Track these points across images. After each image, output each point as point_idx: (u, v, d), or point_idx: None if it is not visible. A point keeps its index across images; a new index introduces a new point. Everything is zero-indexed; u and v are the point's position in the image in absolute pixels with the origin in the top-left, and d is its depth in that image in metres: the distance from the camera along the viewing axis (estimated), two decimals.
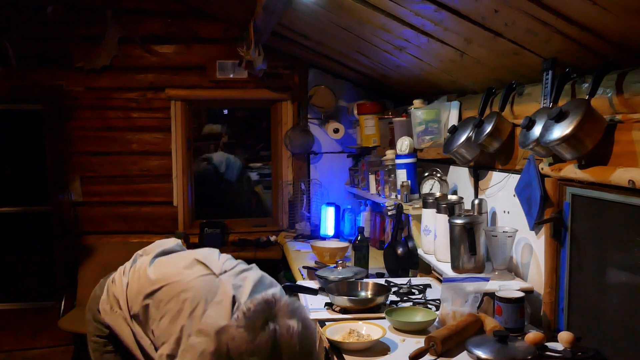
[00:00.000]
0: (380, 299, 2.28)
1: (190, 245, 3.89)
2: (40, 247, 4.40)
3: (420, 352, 1.75)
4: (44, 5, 3.89)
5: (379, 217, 3.80)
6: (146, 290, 1.81)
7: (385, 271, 2.99)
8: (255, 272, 1.86)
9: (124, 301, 1.86)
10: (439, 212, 2.56)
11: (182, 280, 1.78)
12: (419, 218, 2.86)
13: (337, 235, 4.11)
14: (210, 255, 1.90)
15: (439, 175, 2.97)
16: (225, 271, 1.82)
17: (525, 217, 2.11)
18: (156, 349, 1.76)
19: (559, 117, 1.69)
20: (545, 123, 1.77)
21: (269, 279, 1.86)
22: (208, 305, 1.69)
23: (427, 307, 2.27)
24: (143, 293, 1.81)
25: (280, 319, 1.56)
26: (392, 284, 2.62)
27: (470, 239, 2.28)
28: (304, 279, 2.91)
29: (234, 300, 1.70)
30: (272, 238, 4.28)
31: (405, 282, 2.64)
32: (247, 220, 4.73)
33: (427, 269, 2.84)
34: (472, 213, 2.46)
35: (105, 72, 4.10)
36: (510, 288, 2.04)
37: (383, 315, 2.13)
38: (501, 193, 2.40)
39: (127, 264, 1.96)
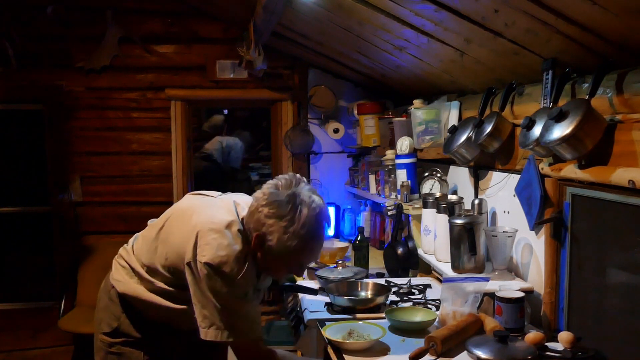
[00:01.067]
0: (380, 299, 2.28)
1: None
2: (40, 247, 4.39)
3: (420, 352, 1.75)
4: (44, 5, 3.89)
5: (379, 217, 3.80)
6: (153, 234, 1.90)
7: (385, 271, 2.99)
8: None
9: (133, 260, 1.93)
10: (439, 212, 2.55)
11: (184, 205, 1.92)
12: (419, 218, 2.86)
13: (337, 235, 4.11)
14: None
15: (439, 175, 2.97)
16: (222, 195, 1.98)
17: (525, 217, 2.11)
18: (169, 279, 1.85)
19: (559, 117, 1.69)
20: (545, 123, 1.77)
21: None
22: (211, 210, 1.81)
23: (427, 307, 2.27)
24: (150, 238, 1.90)
25: (303, 190, 1.72)
26: (392, 284, 2.62)
27: (470, 239, 2.28)
28: (303, 278, 2.91)
29: (235, 205, 1.83)
30: None
31: (405, 282, 2.64)
32: None
33: (427, 269, 2.84)
34: (472, 213, 2.46)
35: (105, 72, 4.10)
36: (510, 288, 2.03)
37: (383, 315, 2.13)
38: (501, 193, 2.40)
39: (131, 240, 2.05)
